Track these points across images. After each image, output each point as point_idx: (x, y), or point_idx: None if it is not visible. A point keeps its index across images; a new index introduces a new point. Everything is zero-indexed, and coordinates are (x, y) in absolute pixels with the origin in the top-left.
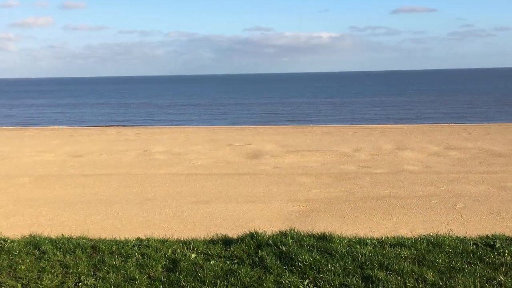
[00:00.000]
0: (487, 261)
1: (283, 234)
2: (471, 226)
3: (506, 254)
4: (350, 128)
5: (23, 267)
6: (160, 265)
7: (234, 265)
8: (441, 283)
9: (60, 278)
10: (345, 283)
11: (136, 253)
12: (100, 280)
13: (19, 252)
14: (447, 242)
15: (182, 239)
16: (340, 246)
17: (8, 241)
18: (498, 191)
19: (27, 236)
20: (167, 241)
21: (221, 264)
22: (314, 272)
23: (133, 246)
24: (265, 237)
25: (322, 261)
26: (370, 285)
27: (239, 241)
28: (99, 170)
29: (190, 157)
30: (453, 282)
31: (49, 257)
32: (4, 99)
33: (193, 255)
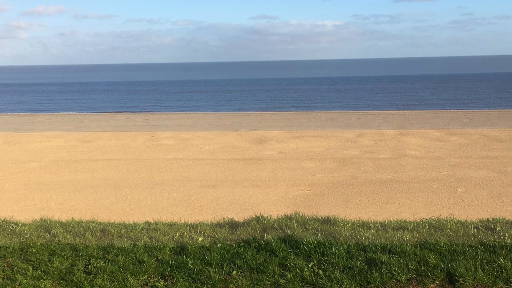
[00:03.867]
0: (487, 244)
1: (288, 217)
2: (472, 210)
3: (506, 238)
4: (354, 114)
5: (34, 250)
6: (168, 248)
7: (241, 248)
8: (442, 266)
9: (70, 260)
10: (349, 265)
11: (145, 237)
12: (109, 263)
13: (30, 235)
14: (449, 225)
15: (189, 223)
16: (344, 230)
17: (20, 224)
18: (499, 176)
19: (38, 220)
20: (174, 224)
21: (227, 247)
22: (318, 255)
23: (142, 229)
24: (270, 220)
25: (326, 244)
26: (374, 268)
27: (245, 225)
28: (108, 155)
29: (197, 143)
30: (454, 265)
31: (60, 240)
32: (15, 86)
33: (200, 238)
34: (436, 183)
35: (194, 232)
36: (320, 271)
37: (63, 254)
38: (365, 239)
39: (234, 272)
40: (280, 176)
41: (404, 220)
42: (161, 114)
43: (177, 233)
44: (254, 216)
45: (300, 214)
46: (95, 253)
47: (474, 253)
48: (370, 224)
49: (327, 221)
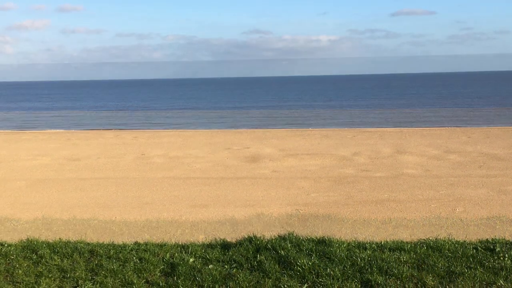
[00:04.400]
0: (487, 265)
1: (282, 238)
2: (471, 230)
3: (506, 258)
4: (349, 131)
5: (20, 271)
6: (158, 270)
7: (233, 270)
8: (440, 287)
9: (57, 282)
10: (344, 287)
11: (134, 258)
12: (98, 285)
13: (16, 256)
14: (447, 246)
15: (180, 243)
16: (339, 250)
17: (5, 245)
18: (498, 195)
19: (24, 240)
20: (165, 245)
21: (219, 269)
22: (313, 277)
23: (131, 250)
24: (263, 241)
25: (321, 265)
26: None
27: (238, 245)
28: (97, 174)
29: (188, 161)
30: (452, 287)
31: (47, 261)
32: (1, 102)
33: (191, 259)
34: (434, 202)
35: (185, 252)
36: None
37: (50, 275)
38: (361, 260)
39: None
40: (273, 195)
41: (401, 241)
42: (151, 131)
43: (168, 254)
44: (246, 237)
45: (294, 234)
46: (83, 275)
47: (473, 275)
48: (366, 244)
49: (322, 241)
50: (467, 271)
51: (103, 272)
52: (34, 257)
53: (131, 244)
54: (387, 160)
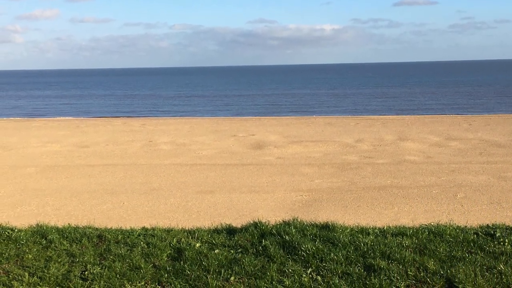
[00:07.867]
0: (487, 250)
1: (286, 223)
2: (472, 216)
3: (506, 243)
4: (352, 119)
5: (30, 256)
6: (165, 254)
7: (238, 254)
8: (442, 272)
9: (66, 266)
10: (348, 271)
11: (142, 242)
12: (106, 269)
13: (26, 241)
14: (448, 231)
15: (186, 229)
16: (343, 236)
17: (16, 230)
18: (498, 181)
19: (34, 226)
20: (172, 230)
21: (225, 253)
22: (317, 261)
23: (139, 235)
24: (268, 226)
25: (325, 250)
26: (372, 274)
27: (243, 231)
28: (105, 161)
29: (195, 148)
30: (453, 271)
31: (56, 246)
32: (11, 91)
33: (197, 244)
34: (435, 188)
35: (192, 238)
36: (319, 277)
37: (59, 260)
38: (364, 245)
39: (232, 278)
40: (278, 181)
41: (403, 226)
42: (158, 119)
43: (174, 239)
44: (252, 222)
45: (299, 219)
46: (91, 259)
47: (474, 259)
48: (369, 229)
49: (325, 226)
50: (468, 256)
51: (111, 257)
52: (44, 242)
53: (138, 229)
54: (390, 147)
